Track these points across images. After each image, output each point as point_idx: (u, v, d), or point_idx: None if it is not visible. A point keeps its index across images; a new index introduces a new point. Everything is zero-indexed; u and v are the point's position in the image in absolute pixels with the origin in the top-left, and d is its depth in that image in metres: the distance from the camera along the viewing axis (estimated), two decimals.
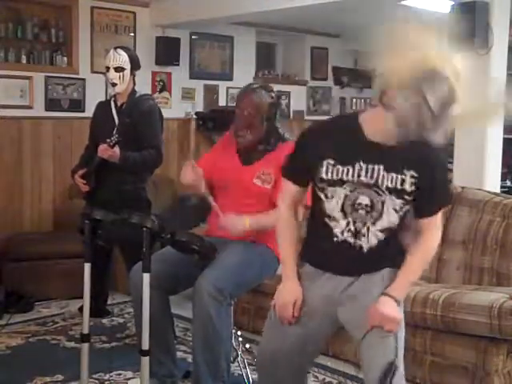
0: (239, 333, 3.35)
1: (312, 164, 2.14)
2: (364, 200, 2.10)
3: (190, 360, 3.58)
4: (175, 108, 6.28)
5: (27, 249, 4.86)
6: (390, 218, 2.11)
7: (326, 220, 2.17)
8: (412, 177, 2.07)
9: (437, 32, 1.91)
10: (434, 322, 3.25)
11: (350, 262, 2.18)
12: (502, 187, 4.93)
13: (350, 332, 2.26)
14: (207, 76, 6.59)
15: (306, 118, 7.53)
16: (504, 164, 4.77)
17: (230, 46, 6.76)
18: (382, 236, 2.13)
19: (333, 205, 2.14)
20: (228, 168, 3.11)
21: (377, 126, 2.06)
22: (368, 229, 2.12)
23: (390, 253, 2.17)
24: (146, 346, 2.68)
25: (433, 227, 2.19)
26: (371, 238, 2.13)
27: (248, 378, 3.25)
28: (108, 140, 3.83)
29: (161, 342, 3.11)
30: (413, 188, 2.08)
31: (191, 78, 6.45)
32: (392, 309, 2.11)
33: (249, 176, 3.06)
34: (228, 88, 6.74)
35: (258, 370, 2.48)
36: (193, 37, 6.45)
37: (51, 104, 5.47)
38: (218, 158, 3.19)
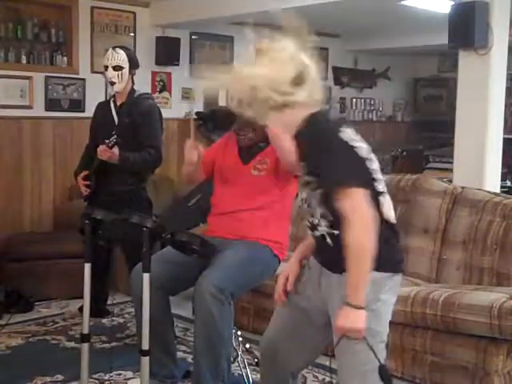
0: (239, 333, 3.35)
1: None
2: (303, 195, 2.23)
3: (190, 360, 3.58)
4: (175, 108, 6.28)
5: (27, 249, 4.86)
6: (318, 209, 2.17)
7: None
8: (306, 167, 2.16)
9: None
10: (434, 322, 3.25)
11: (320, 251, 2.25)
12: (501, 187, 4.93)
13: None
14: None
15: None
16: (504, 164, 4.76)
17: (230, 46, 6.76)
18: (323, 222, 2.16)
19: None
20: (229, 166, 3.17)
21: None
22: (318, 220, 2.18)
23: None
24: (146, 346, 2.68)
25: (347, 212, 2.02)
26: (322, 227, 2.17)
27: (248, 378, 3.25)
28: (107, 141, 3.83)
29: (161, 342, 3.11)
30: (309, 177, 2.15)
31: (191, 77, 6.45)
32: (350, 319, 2.05)
33: (247, 170, 3.13)
34: None
35: (260, 358, 2.52)
36: (193, 37, 6.45)
37: (51, 104, 5.47)
38: (219, 154, 3.24)
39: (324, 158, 2.08)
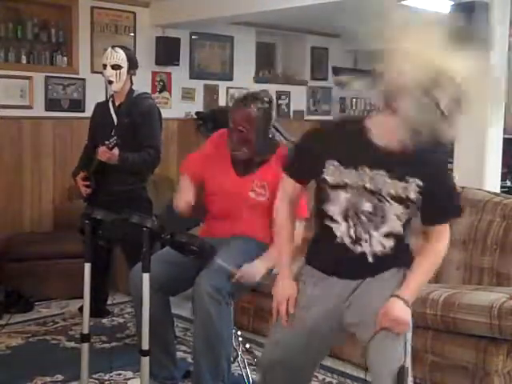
0: (239, 333, 3.35)
1: (315, 165, 2.13)
2: (366, 207, 2.09)
3: (190, 360, 3.58)
4: (175, 108, 6.28)
5: (27, 249, 4.86)
6: (393, 224, 2.11)
7: (328, 222, 2.16)
8: (417, 185, 2.07)
9: (437, 32, 1.90)
10: (434, 322, 3.25)
11: (352, 267, 2.18)
12: (502, 187, 4.93)
13: (356, 334, 2.23)
14: (207, 76, 6.59)
15: (306, 117, 7.53)
16: (504, 164, 4.77)
17: (230, 46, 6.76)
18: (387, 242, 2.12)
19: (334, 207, 2.13)
20: (223, 179, 3.08)
21: (385, 130, 2.04)
22: (370, 235, 2.12)
23: (397, 256, 2.16)
24: (145, 346, 2.68)
25: (441, 238, 2.19)
26: (375, 245, 2.13)
27: (248, 378, 3.25)
28: (107, 142, 3.83)
29: (161, 343, 3.11)
30: (417, 196, 2.08)
31: (191, 77, 6.45)
32: (402, 311, 2.08)
33: (244, 189, 3.05)
34: (228, 88, 6.74)
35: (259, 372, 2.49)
36: (193, 37, 6.45)
37: (51, 104, 5.47)
38: (210, 165, 3.15)
39: (451, 181, 2.19)
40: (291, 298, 2.25)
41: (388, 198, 2.07)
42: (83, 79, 5.62)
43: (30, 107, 5.36)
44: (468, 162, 4.36)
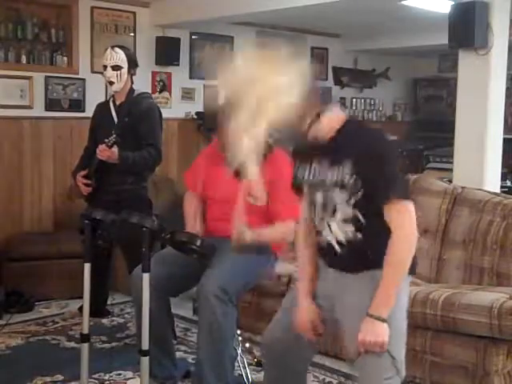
0: (239, 332, 3.35)
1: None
2: (318, 198, 2.19)
3: (190, 360, 3.59)
4: (175, 108, 6.27)
5: (27, 249, 4.86)
6: (345, 211, 2.13)
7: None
8: (349, 168, 2.09)
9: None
10: (434, 322, 3.25)
11: (330, 258, 2.24)
12: (502, 187, 4.93)
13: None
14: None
15: None
16: (504, 164, 4.77)
17: (230, 46, 6.75)
18: (347, 228, 2.13)
19: (304, 205, 2.29)
20: (221, 183, 3.07)
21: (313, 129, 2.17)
22: (329, 225, 2.17)
23: (370, 250, 2.14)
24: (145, 346, 2.68)
25: (395, 227, 2.07)
26: (336, 233, 2.15)
27: (248, 378, 3.25)
28: (106, 140, 3.83)
29: (161, 343, 3.12)
30: (352, 179, 2.09)
31: (191, 77, 6.45)
32: (375, 332, 2.07)
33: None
34: None
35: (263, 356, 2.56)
36: (193, 37, 6.44)
37: (51, 104, 5.47)
38: (207, 173, 3.17)
39: (386, 169, 2.09)
40: (314, 321, 2.29)
41: (331, 186, 2.14)
42: (83, 79, 5.61)
43: (30, 107, 5.36)
44: (468, 161, 4.36)
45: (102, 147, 3.85)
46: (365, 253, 2.14)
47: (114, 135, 3.83)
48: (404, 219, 2.08)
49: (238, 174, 3.00)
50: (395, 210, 2.07)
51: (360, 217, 2.11)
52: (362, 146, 2.09)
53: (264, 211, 3.01)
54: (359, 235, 2.13)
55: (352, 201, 2.11)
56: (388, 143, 2.17)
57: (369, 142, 2.12)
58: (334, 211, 2.14)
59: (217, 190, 3.11)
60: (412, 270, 2.20)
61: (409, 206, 2.09)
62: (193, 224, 3.15)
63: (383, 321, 2.07)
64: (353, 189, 2.09)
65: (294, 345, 2.34)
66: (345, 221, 2.13)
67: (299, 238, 2.38)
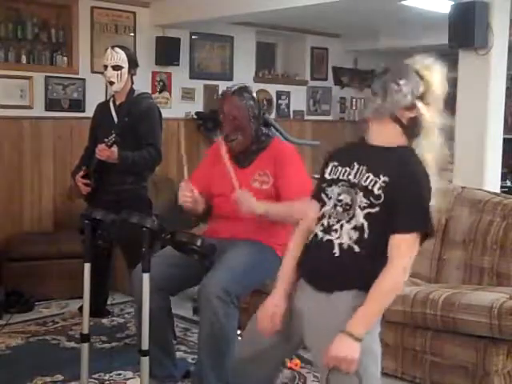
0: (238, 332, 3.34)
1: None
2: (346, 198, 2.15)
3: (190, 360, 3.59)
4: (175, 108, 6.27)
5: (27, 249, 4.87)
6: (358, 218, 2.11)
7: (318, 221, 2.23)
8: (383, 182, 2.09)
9: None
10: (434, 322, 3.25)
11: (321, 265, 2.17)
12: (502, 187, 4.94)
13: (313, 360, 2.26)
14: (207, 76, 6.59)
15: (306, 117, 7.53)
16: (504, 164, 4.77)
17: (230, 46, 6.76)
18: (353, 234, 2.11)
19: (316, 203, 2.25)
20: (225, 175, 3.05)
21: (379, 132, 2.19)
22: (342, 226, 2.13)
23: (362, 270, 2.11)
24: (145, 346, 2.68)
25: (396, 254, 2.06)
26: (343, 236, 2.12)
27: None
28: (106, 140, 3.83)
29: (161, 343, 3.11)
30: (380, 192, 2.08)
31: (191, 78, 6.45)
32: (346, 348, 2.02)
33: (247, 179, 3.04)
34: None
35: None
36: (193, 37, 6.44)
37: (51, 104, 5.47)
38: (212, 171, 3.16)
39: (416, 192, 2.10)
40: (275, 315, 2.26)
41: (359, 190, 2.13)
42: (83, 79, 5.61)
43: (30, 107, 5.36)
44: (468, 162, 4.36)
45: (101, 147, 3.85)
46: (353, 267, 2.11)
47: (114, 135, 3.83)
48: (407, 249, 2.08)
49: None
50: (404, 239, 2.07)
51: (366, 230, 2.10)
52: (407, 173, 2.10)
53: (271, 196, 3.01)
54: (356, 248, 2.11)
55: (367, 211, 2.10)
56: (428, 183, 2.14)
57: (414, 172, 2.11)
58: (353, 216, 2.11)
59: (220, 186, 3.10)
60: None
61: (416, 240, 2.09)
62: (188, 185, 3.02)
63: (357, 339, 2.02)
64: (374, 200, 2.09)
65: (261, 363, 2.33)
66: (354, 228, 2.12)
67: (297, 235, 2.33)
